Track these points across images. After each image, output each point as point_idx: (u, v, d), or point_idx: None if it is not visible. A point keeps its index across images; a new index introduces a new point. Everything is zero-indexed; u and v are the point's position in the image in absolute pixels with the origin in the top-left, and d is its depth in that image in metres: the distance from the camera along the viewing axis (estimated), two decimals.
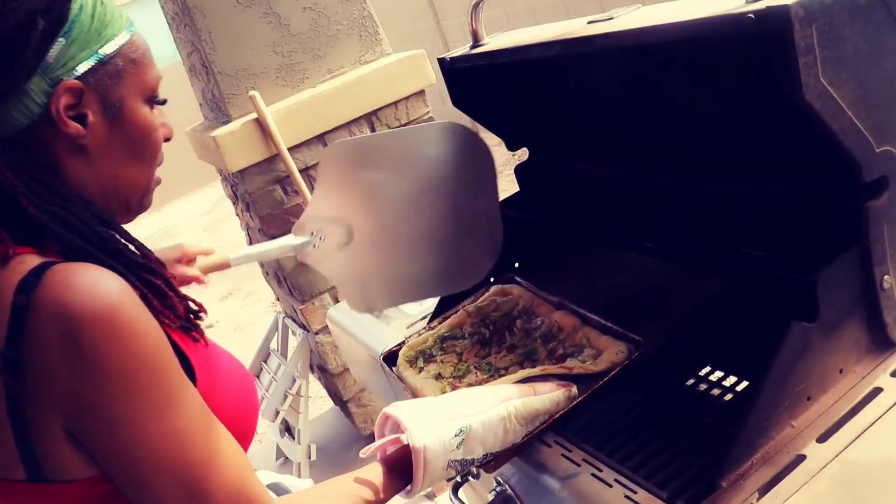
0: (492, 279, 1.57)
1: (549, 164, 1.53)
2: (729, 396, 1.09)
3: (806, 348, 0.87)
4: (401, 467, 0.90)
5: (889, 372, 0.93)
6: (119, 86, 0.84)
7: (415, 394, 1.26)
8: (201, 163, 3.00)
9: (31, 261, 0.75)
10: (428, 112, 2.66)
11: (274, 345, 3.07)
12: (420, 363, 1.35)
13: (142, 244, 0.88)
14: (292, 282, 2.60)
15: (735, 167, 1.08)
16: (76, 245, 0.78)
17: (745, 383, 1.09)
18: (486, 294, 1.46)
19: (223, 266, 1.37)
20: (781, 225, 1.02)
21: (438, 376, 1.28)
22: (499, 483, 1.13)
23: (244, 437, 0.91)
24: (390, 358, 1.43)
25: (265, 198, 2.47)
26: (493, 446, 0.94)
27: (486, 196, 1.21)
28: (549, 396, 0.98)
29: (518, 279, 1.45)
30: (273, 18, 2.37)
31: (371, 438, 3.05)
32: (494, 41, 1.35)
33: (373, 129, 2.57)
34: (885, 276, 0.91)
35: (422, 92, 2.62)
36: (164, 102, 0.92)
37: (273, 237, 2.51)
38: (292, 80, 2.45)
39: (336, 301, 2.65)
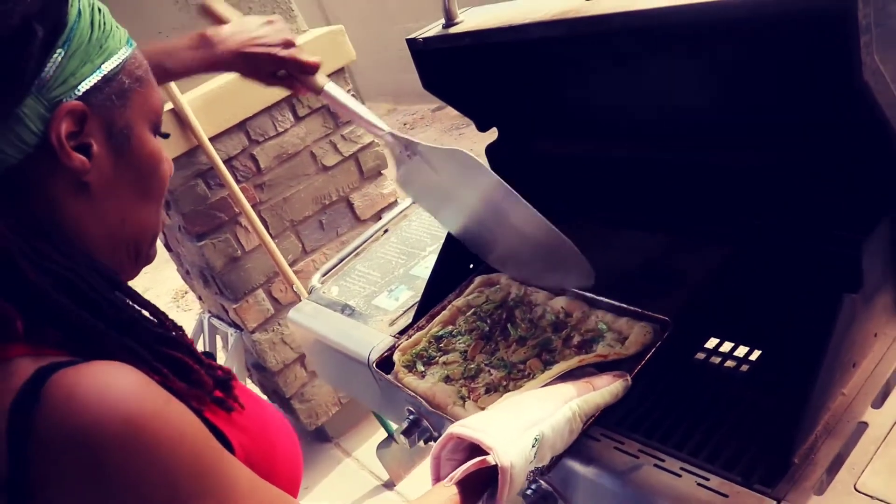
0: (471, 265, 1.53)
1: (522, 144, 1.50)
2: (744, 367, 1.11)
3: (852, 318, 0.89)
4: (475, 485, 0.86)
5: None
6: (126, 109, 0.71)
7: (428, 400, 1.20)
8: None
9: (24, 366, 0.60)
10: (350, 90, 2.56)
11: (200, 347, 2.91)
12: (419, 367, 1.30)
13: (156, 308, 0.74)
14: (222, 280, 2.45)
15: (741, 140, 1.09)
16: (84, 322, 0.64)
17: (757, 352, 1.12)
18: (472, 286, 1.42)
19: (315, 90, 1.25)
20: (794, 198, 1.04)
21: (447, 379, 1.24)
22: (532, 480, 1.11)
23: (294, 485, 0.84)
24: (382, 364, 1.36)
25: (187, 193, 2.30)
26: (559, 449, 0.92)
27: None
28: (608, 390, 0.96)
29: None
30: None
31: (318, 433, 2.95)
32: (469, 20, 1.29)
33: (294, 112, 2.45)
34: None
35: (342, 69, 2.51)
36: (167, 136, 0.80)
37: (198, 235, 2.36)
38: None
39: (272, 298, 2.53)
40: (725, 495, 0.86)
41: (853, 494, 0.79)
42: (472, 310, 1.37)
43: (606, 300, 1.21)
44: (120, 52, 0.71)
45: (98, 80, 0.68)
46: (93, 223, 0.70)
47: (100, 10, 0.71)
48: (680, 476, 0.91)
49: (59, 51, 0.65)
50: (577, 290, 1.27)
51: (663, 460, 0.94)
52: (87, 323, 0.64)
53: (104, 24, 0.70)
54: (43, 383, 0.58)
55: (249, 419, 0.77)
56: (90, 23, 0.68)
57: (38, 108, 0.64)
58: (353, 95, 2.52)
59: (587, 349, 1.14)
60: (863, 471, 0.82)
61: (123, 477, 0.57)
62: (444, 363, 1.27)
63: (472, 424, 0.88)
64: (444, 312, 1.38)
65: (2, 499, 0.57)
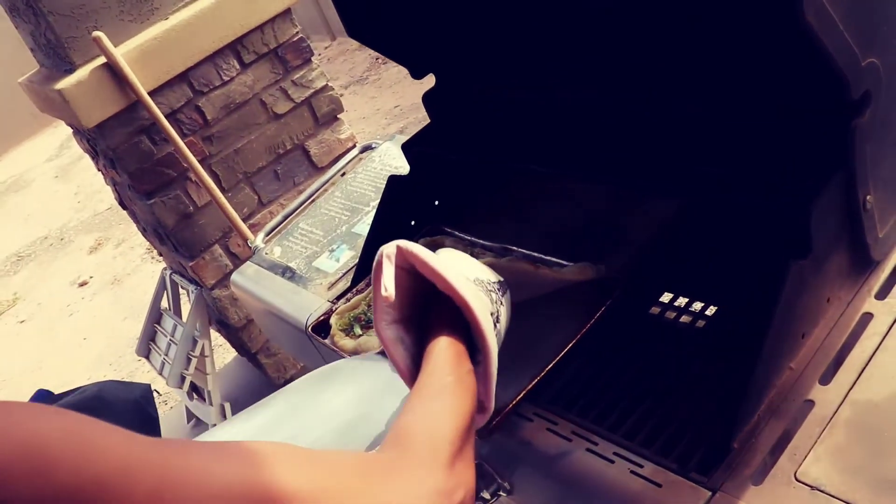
0: (413, 222, 1.44)
1: (462, 90, 1.38)
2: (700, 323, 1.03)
3: (801, 286, 0.81)
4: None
5: (873, 294, 0.88)
6: None
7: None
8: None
9: None
10: (297, 32, 2.41)
11: (164, 304, 2.84)
12: (357, 331, 1.23)
13: None
14: (177, 238, 2.36)
15: (690, 87, 0.99)
16: None
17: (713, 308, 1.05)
18: None
19: None
20: (749, 151, 0.94)
21: None
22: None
23: None
24: (319, 328, 1.30)
25: (131, 151, 2.18)
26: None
27: None
28: None
29: (447, 229, 1.33)
30: None
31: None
32: None
33: (239, 59, 2.31)
34: (868, 196, 0.85)
35: (287, 11, 2.36)
36: None
37: (147, 194, 2.26)
38: (139, 12, 2.13)
39: (230, 253, 2.44)
40: (659, 485, 0.79)
41: (792, 484, 0.72)
42: None
43: (552, 259, 1.12)
44: None
45: None
46: None
47: None
48: (613, 462, 0.84)
49: None
50: (524, 251, 1.18)
51: (597, 444, 0.87)
52: None
53: None
54: None
55: None
56: None
57: None
58: (299, 34, 2.38)
59: None
60: (805, 457, 0.75)
61: None
62: None
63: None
64: None
65: None
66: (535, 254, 1.17)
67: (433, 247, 1.32)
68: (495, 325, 0.75)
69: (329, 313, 1.29)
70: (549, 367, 0.93)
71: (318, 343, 1.30)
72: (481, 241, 1.26)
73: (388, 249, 0.74)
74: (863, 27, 0.75)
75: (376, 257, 0.75)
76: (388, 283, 0.72)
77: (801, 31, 0.69)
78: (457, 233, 1.31)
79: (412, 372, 0.73)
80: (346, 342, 1.21)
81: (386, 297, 0.72)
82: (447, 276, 0.71)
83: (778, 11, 0.69)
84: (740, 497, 0.74)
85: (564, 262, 1.11)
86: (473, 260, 0.85)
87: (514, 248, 1.21)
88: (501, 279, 0.84)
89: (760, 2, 0.71)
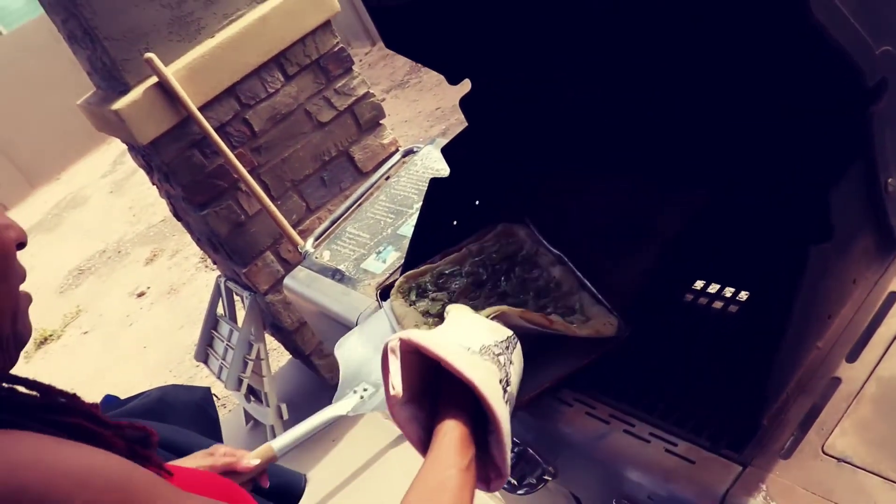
0: (455, 222, 1.50)
1: (496, 94, 1.44)
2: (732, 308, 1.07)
3: (824, 269, 0.84)
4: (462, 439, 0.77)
5: None
6: None
7: (399, 321, 1.23)
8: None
9: None
10: (338, 43, 2.49)
11: (220, 310, 2.95)
12: (412, 296, 1.31)
13: (35, 382, 0.69)
14: (230, 246, 2.46)
15: (711, 88, 1.02)
16: None
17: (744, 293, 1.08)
18: (492, 234, 1.39)
19: (272, 459, 1.19)
20: (773, 143, 0.97)
21: (426, 313, 1.25)
22: (515, 444, 1.10)
23: None
24: (385, 292, 1.36)
25: (184, 165, 2.29)
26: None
27: None
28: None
29: (527, 221, 1.37)
30: None
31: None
32: None
33: (283, 71, 2.40)
34: (889, 180, 0.88)
35: (328, 23, 2.44)
36: None
37: (200, 205, 2.36)
38: (187, 32, 2.23)
39: (281, 259, 2.53)
40: (692, 461, 0.84)
41: (819, 457, 0.76)
42: (482, 256, 1.34)
43: (591, 286, 1.16)
44: None
45: None
46: None
47: None
48: (649, 442, 0.89)
49: None
50: (573, 267, 1.22)
51: (633, 425, 0.92)
52: None
53: None
54: None
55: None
56: None
57: None
58: (339, 44, 2.45)
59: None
60: (832, 431, 0.78)
61: None
62: (433, 299, 1.27)
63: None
64: (457, 253, 1.36)
65: None
66: (580, 274, 1.20)
67: (509, 234, 1.36)
68: (505, 391, 0.80)
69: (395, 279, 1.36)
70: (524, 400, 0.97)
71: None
72: (546, 243, 1.30)
73: (392, 343, 0.80)
74: (875, 16, 0.79)
75: (382, 349, 0.81)
76: (395, 383, 0.79)
77: (811, 28, 0.73)
78: (531, 227, 1.35)
79: (426, 445, 0.79)
80: (398, 303, 1.28)
81: (395, 396, 0.79)
82: (451, 361, 0.77)
83: (787, 11, 0.73)
84: (770, 470, 0.78)
85: (597, 294, 1.14)
86: (479, 321, 0.89)
87: (566, 258, 1.24)
88: (510, 334, 0.88)
89: (770, 2, 0.75)
